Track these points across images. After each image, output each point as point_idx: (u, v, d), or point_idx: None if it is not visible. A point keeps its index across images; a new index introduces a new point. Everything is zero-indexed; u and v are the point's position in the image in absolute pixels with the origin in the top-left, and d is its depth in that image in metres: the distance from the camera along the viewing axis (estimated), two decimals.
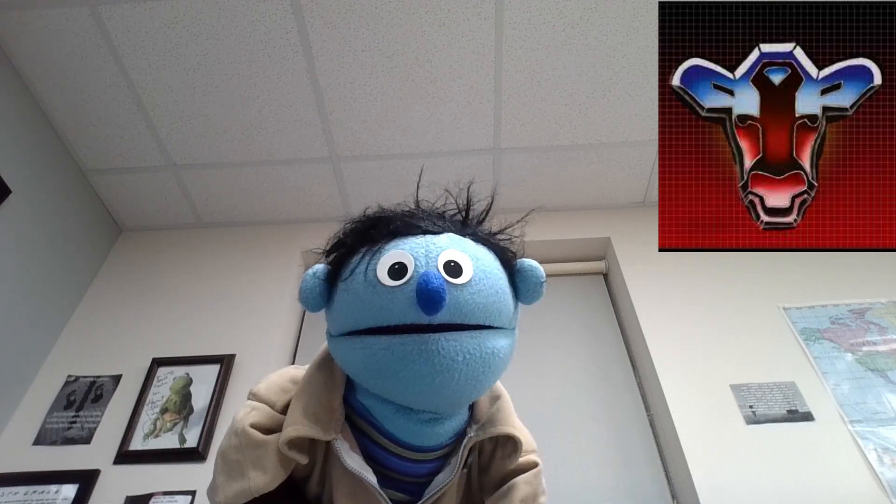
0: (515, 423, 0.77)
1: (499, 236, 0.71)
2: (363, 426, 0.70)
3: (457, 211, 0.72)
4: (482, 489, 0.80)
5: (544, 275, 0.69)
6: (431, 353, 0.59)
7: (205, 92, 1.64)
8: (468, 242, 0.66)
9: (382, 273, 0.61)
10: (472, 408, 0.75)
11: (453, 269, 0.61)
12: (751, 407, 1.43)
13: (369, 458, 0.69)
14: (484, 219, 0.73)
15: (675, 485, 1.43)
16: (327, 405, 0.70)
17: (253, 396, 0.74)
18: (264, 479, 0.67)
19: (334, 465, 0.70)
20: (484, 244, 0.68)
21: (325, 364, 0.73)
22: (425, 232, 0.65)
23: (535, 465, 0.81)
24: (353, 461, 0.67)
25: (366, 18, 1.50)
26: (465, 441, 0.72)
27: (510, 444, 0.76)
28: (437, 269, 0.60)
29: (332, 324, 0.69)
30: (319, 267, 0.68)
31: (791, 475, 1.31)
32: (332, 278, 0.68)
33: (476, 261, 0.64)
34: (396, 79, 1.62)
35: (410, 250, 0.62)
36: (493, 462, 0.78)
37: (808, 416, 1.40)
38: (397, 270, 0.61)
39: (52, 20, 1.49)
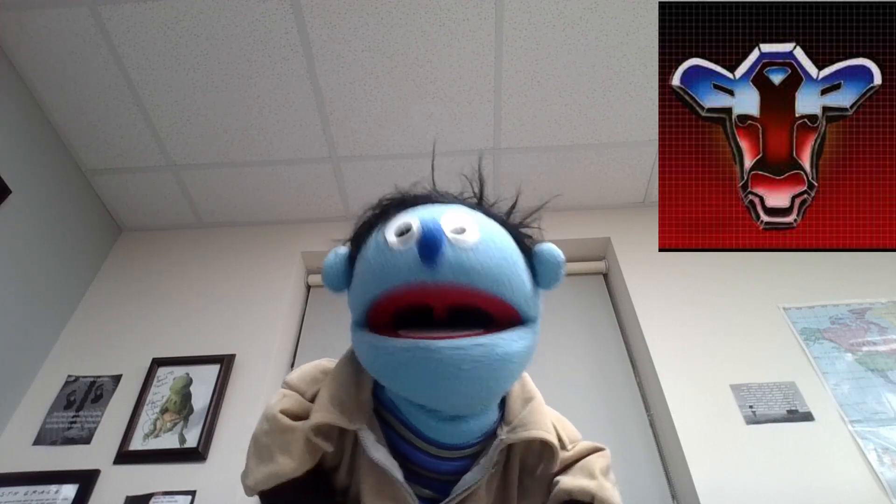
0: (549, 427, 0.76)
1: (513, 218, 0.72)
2: (391, 420, 0.71)
3: (472, 194, 0.73)
4: (527, 491, 0.79)
5: (563, 256, 0.68)
6: (434, 362, 0.59)
7: (205, 92, 1.64)
8: (478, 214, 0.67)
9: (391, 234, 0.62)
10: (503, 408, 0.75)
11: (458, 230, 0.61)
12: (751, 407, 1.43)
13: (396, 453, 0.70)
14: (512, 210, 0.74)
15: (675, 485, 1.43)
16: (356, 397, 0.71)
17: (285, 385, 0.77)
18: (291, 464, 0.69)
19: (361, 457, 0.71)
20: (497, 221, 0.69)
21: (356, 356, 0.74)
22: (435, 203, 0.68)
23: (601, 447, 0.83)
24: (379, 453, 0.68)
25: (366, 18, 1.50)
26: (495, 443, 0.72)
27: (547, 448, 0.75)
28: (439, 223, 0.60)
29: (351, 306, 0.69)
30: (342, 248, 0.70)
31: (791, 475, 1.31)
32: (352, 261, 0.69)
33: (482, 227, 0.64)
34: (396, 79, 1.62)
35: (418, 214, 0.63)
36: (541, 463, 0.77)
37: (808, 416, 1.40)
38: (404, 231, 0.62)
39: (52, 20, 1.48)
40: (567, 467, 0.80)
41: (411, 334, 0.61)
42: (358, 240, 0.69)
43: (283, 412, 0.71)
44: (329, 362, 0.79)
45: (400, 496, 0.69)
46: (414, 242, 0.59)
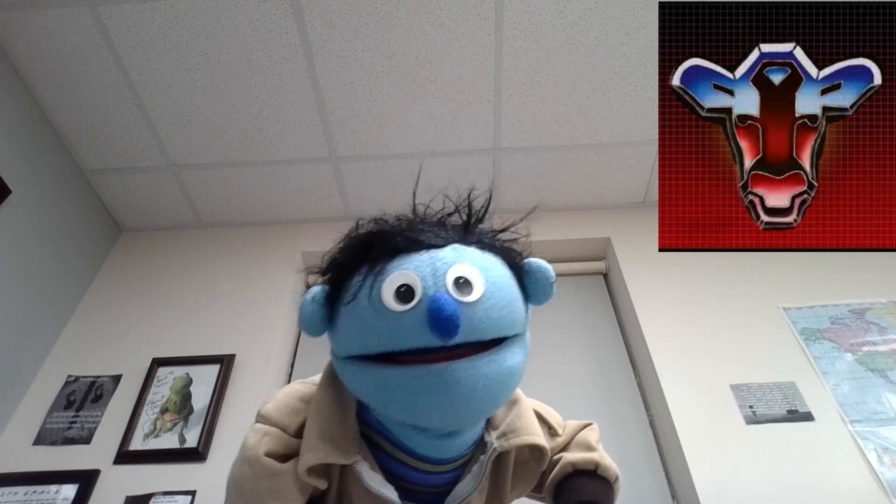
0: (538, 429, 0.75)
1: (503, 235, 0.68)
2: (379, 441, 0.69)
3: (458, 216, 0.68)
4: (520, 480, 0.79)
5: (554, 274, 0.66)
6: (449, 385, 0.56)
7: (205, 92, 1.64)
8: (474, 252, 0.63)
9: (388, 297, 0.57)
10: None
11: (463, 285, 0.58)
12: (751, 407, 1.43)
13: (387, 473, 0.68)
14: (483, 216, 0.69)
15: (675, 485, 1.43)
16: (342, 425, 0.68)
17: (262, 419, 0.70)
18: None
19: (353, 484, 0.68)
20: (490, 250, 0.65)
21: (335, 380, 0.70)
22: (429, 246, 0.61)
23: (589, 423, 0.86)
24: (374, 481, 0.66)
25: (366, 18, 1.50)
26: (489, 452, 0.71)
27: (537, 450, 0.75)
28: (447, 291, 0.57)
29: (338, 346, 0.65)
30: (317, 290, 0.64)
31: (791, 475, 1.31)
32: (331, 299, 0.64)
33: (485, 272, 0.60)
34: (396, 79, 1.62)
35: (416, 269, 0.58)
36: (531, 461, 0.78)
37: (808, 416, 1.40)
38: (404, 293, 0.57)
39: (52, 20, 1.48)
40: (564, 448, 0.82)
41: (415, 358, 0.58)
42: (336, 281, 0.64)
43: (268, 454, 0.65)
44: (304, 386, 0.74)
45: None
46: (423, 313, 0.55)
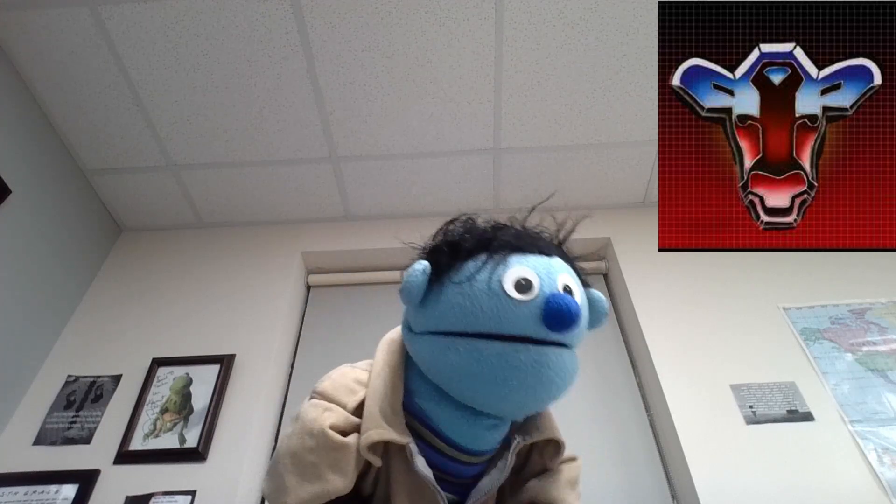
0: (557, 427, 0.80)
1: (581, 262, 0.75)
2: (420, 429, 0.72)
3: (550, 236, 0.75)
4: (508, 488, 0.82)
5: (607, 307, 0.74)
6: (542, 366, 0.62)
7: (205, 92, 1.64)
8: (569, 268, 0.70)
9: (509, 285, 0.63)
10: None
11: (568, 293, 0.65)
12: (751, 407, 1.43)
13: (426, 461, 0.71)
14: (569, 236, 0.76)
15: (675, 485, 1.43)
16: (395, 408, 0.71)
17: (320, 396, 0.73)
18: (343, 481, 0.67)
19: (395, 465, 0.71)
20: (576, 271, 0.71)
21: (390, 366, 0.74)
22: (539, 252, 0.68)
23: (575, 458, 0.85)
24: (420, 464, 0.69)
25: (366, 18, 1.50)
26: (513, 445, 0.74)
27: (552, 446, 0.79)
28: (572, 299, 0.63)
29: (425, 320, 0.69)
30: (425, 263, 0.68)
31: (791, 475, 1.31)
32: (434, 275, 0.68)
33: (578, 286, 0.69)
34: (396, 79, 1.62)
35: (534, 268, 0.65)
36: (528, 463, 0.81)
37: (808, 416, 1.40)
38: (524, 285, 0.63)
39: (52, 20, 1.48)
40: (540, 473, 0.83)
41: (514, 338, 0.63)
42: (448, 262, 0.68)
43: (332, 428, 0.68)
44: (354, 371, 0.77)
45: (433, 502, 0.71)
46: (539, 305, 0.62)
